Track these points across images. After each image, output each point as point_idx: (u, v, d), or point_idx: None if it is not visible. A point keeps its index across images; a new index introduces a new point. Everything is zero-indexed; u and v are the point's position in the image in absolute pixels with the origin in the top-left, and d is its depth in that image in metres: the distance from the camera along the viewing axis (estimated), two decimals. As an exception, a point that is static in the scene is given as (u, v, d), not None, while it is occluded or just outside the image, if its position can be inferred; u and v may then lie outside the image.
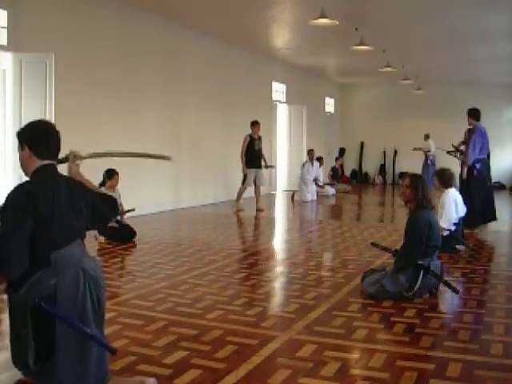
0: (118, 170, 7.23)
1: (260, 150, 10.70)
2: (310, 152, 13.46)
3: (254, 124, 10.63)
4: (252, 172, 10.57)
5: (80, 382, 2.59)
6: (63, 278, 2.59)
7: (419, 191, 4.66)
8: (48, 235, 2.60)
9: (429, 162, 15.89)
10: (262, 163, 10.78)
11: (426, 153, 16.04)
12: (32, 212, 2.53)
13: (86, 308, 2.64)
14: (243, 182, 10.62)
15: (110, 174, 7.16)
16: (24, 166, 2.79)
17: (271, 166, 11.28)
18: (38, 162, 2.73)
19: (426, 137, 16.23)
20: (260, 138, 10.73)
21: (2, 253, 2.50)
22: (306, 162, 13.34)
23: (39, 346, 2.59)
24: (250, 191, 10.86)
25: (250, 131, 10.73)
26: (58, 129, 2.84)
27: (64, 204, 2.68)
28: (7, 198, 2.60)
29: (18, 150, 2.80)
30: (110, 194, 7.12)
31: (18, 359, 2.78)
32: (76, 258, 2.68)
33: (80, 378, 2.59)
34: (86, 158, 3.08)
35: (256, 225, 9.48)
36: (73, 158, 3.00)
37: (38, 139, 2.75)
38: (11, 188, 2.68)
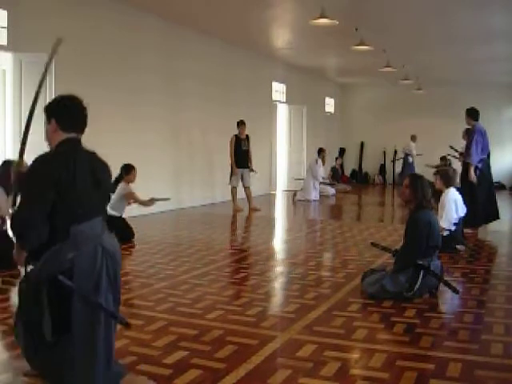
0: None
1: (247, 150, 10.67)
2: (322, 150, 13.54)
3: (240, 124, 10.62)
4: (238, 172, 10.57)
5: (91, 363, 2.57)
6: (81, 252, 2.58)
7: (419, 191, 4.66)
8: (68, 208, 2.58)
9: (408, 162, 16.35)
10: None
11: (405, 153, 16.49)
12: (52, 183, 2.53)
13: (100, 282, 2.61)
14: (229, 182, 10.64)
15: (128, 169, 7.15)
16: (49, 139, 2.79)
17: (254, 171, 11.08)
18: (63, 135, 2.73)
19: (411, 138, 16.53)
20: (247, 137, 10.72)
21: (20, 222, 2.52)
22: (318, 159, 13.37)
23: (54, 319, 2.57)
24: (243, 192, 10.85)
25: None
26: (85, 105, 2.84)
27: (85, 177, 2.66)
28: (29, 167, 2.60)
29: (45, 123, 2.81)
30: (125, 188, 7.12)
31: (26, 343, 2.75)
32: (95, 233, 2.67)
33: (90, 357, 2.57)
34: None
35: (256, 225, 9.48)
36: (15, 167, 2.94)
37: (64, 112, 2.77)
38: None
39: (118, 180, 7.09)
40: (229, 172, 10.72)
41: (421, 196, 4.65)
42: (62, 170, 2.57)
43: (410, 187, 4.72)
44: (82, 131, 2.81)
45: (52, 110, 2.80)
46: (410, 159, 16.26)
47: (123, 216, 7.30)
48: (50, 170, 2.56)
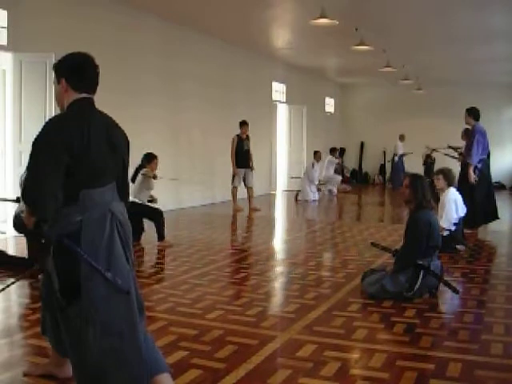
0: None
1: (248, 150, 10.71)
2: (317, 153, 13.58)
3: (243, 124, 10.65)
4: (240, 172, 10.61)
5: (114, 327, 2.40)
6: (89, 216, 2.42)
7: (419, 191, 4.66)
8: (81, 171, 2.42)
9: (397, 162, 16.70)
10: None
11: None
12: (66, 147, 2.36)
13: (114, 250, 2.46)
14: (232, 182, 10.68)
15: (150, 158, 7.06)
16: (60, 100, 2.60)
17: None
18: (75, 95, 2.55)
19: (399, 137, 16.84)
20: (248, 137, 10.75)
21: (35, 192, 2.35)
22: (314, 162, 13.37)
23: (63, 284, 2.43)
24: (243, 192, 10.86)
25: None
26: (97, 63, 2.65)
27: (100, 142, 2.48)
28: (40, 132, 2.43)
29: (54, 83, 2.64)
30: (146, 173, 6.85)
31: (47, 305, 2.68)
32: (105, 200, 2.51)
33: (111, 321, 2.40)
34: None
35: (256, 225, 9.48)
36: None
37: (75, 70, 2.57)
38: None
39: (139, 169, 7.01)
40: (229, 171, 10.72)
41: (420, 196, 4.65)
42: (75, 134, 2.40)
43: (409, 187, 4.72)
44: (94, 91, 2.62)
45: (62, 69, 2.58)
46: (396, 158, 16.56)
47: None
48: (63, 134, 2.38)
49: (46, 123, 2.47)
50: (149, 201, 7.29)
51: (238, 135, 10.63)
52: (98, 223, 2.44)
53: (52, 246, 2.47)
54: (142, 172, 7.02)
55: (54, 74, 2.63)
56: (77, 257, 2.37)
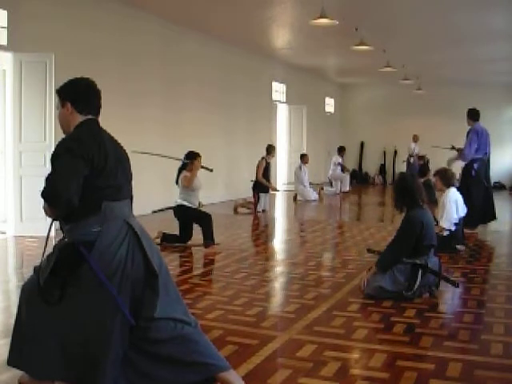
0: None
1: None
2: (304, 156, 13.59)
3: (273, 150, 10.98)
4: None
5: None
6: (108, 227, 2.55)
7: (396, 191, 4.78)
8: (100, 185, 2.55)
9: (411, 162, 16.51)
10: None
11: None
12: (86, 159, 2.48)
13: (126, 266, 2.55)
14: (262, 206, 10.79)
15: (191, 157, 6.82)
16: (65, 123, 2.71)
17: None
18: (81, 118, 2.68)
19: (413, 138, 16.62)
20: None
21: (52, 190, 2.45)
22: (302, 165, 13.34)
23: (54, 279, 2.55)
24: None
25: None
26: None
27: (112, 157, 2.62)
28: (57, 146, 2.55)
29: (57, 107, 2.73)
30: (185, 176, 6.69)
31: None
32: (124, 214, 2.64)
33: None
34: None
35: (256, 225, 9.48)
36: None
37: (80, 94, 2.70)
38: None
39: (181, 170, 6.81)
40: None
41: (397, 196, 4.74)
42: (94, 149, 2.53)
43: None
44: (97, 114, 2.76)
45: (67, 93, 2.71)
46: (412, 160, 16.31)
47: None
48: (83, 148, 2.50)
49: (63, 140, 2.58)
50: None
51: (265, 159, 10.81)
52: (114, 235, 2.55)
53: (63, 245, 2.57)
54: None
55: (57, 97, 2.72)
56: (82, 263, 2.50)
